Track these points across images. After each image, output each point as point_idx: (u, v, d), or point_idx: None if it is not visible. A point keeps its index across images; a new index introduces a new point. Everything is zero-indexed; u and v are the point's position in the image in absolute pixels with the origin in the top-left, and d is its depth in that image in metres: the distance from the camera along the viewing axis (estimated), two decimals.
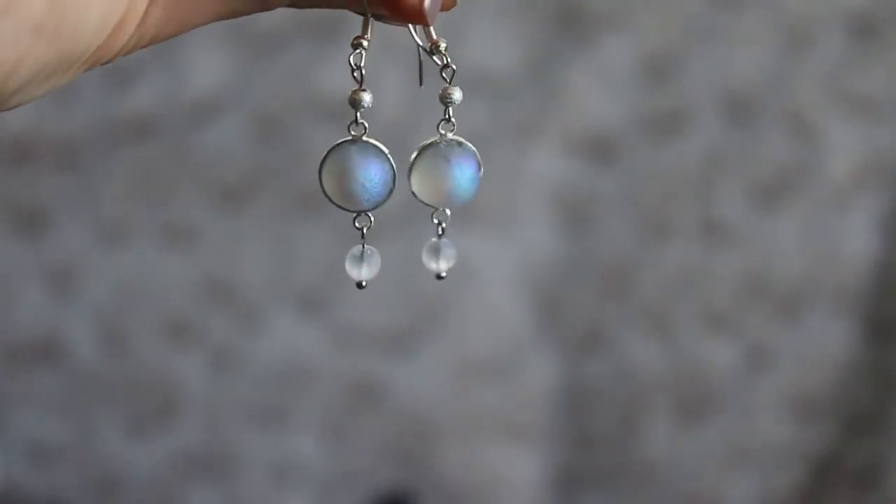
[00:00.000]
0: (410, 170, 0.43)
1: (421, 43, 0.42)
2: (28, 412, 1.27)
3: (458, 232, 1.23)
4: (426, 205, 0.44)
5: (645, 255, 1.27)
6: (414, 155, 0.43)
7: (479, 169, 0.44)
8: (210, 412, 1.28)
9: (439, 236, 0.46)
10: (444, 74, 0.42)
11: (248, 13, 0.41)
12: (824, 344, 1.27)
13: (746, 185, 1.26)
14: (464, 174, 0.43)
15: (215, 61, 1.24)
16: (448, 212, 0.45)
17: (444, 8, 0.41)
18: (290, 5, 0.40)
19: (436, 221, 0.45)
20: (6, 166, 1.24)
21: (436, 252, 0.46)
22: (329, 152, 0.42)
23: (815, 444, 1.28)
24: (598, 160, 1.26)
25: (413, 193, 0.44)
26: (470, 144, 0.44)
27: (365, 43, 0.41)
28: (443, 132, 0.43)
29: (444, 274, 0.46)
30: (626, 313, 1.28)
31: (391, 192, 0.43)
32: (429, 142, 0.43)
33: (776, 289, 1.27)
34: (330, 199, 0.43)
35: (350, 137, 0.42)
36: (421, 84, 0.44)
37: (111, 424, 1.27)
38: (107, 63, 0.40)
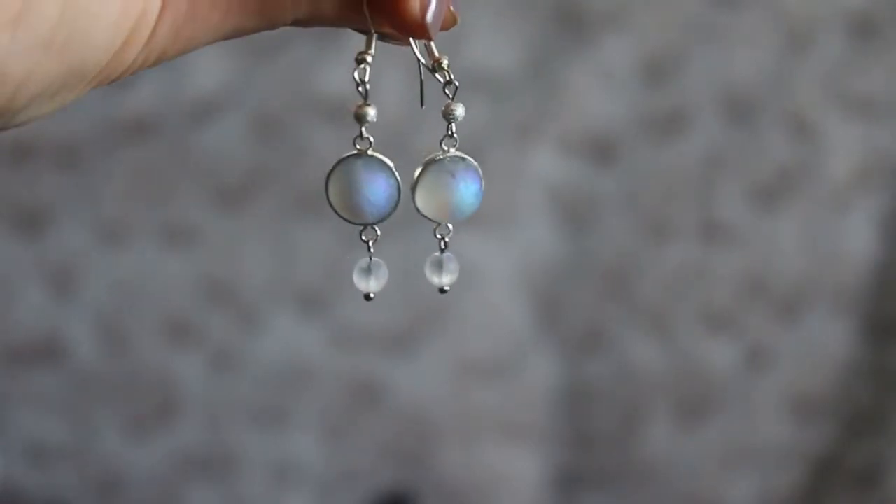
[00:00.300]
0: (415, 186, 0.43)
1: (423, 61, 0.42)
2: (28, 412, 1.27)
3: (458, 232, 1.23)
4: (429, 219, 0.44)
5: (645, 255, 1.27)
6: (418, 171, 0.43)
7: (482, 184, 0.44)
8: (210, 412, 1.28)
9: (442, 251, 0.46)
10: (446, 91, 0.42)
11: (253, 32, 0.41)
12: (824, 344, 1.28)
13: (746, 185, 1.26)
14: (469, 189, 0.44)
15: (215, 61, 1.24)
16: (450, 226, 0.45)
17: (445, 27, 0.41)
18: (293, 24, 0.41)
19: (438, 236, 0.45)
20: (6, 166, 1.24)
21: (439, 267, 0.46)
22: (335, 166, 0.42)
23: (815, 444, 1.29)
24: (598, 160, 1.26)
25: (417, 209, 0.44)
26: (472, 160, 0.44)
27: (369, 58, 0.41)
28: (446, 148, 0.43)
29: (447, 288, 0.46)
30: (626, 313, 1.28)
31: (396, 205, 0.43)
32: (432, 157, 0.43)
33: (776, 289, 1.27)
34: (336, 213, 0.43)
35: (356, 151, 0.42)
36: (423, 105, 0.44)
37: (111, 424, 1.27)
38: (112, 82, 0.40)
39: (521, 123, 1.26)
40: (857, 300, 1.27)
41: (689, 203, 1.27)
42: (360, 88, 0.42)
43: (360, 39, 0.43)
